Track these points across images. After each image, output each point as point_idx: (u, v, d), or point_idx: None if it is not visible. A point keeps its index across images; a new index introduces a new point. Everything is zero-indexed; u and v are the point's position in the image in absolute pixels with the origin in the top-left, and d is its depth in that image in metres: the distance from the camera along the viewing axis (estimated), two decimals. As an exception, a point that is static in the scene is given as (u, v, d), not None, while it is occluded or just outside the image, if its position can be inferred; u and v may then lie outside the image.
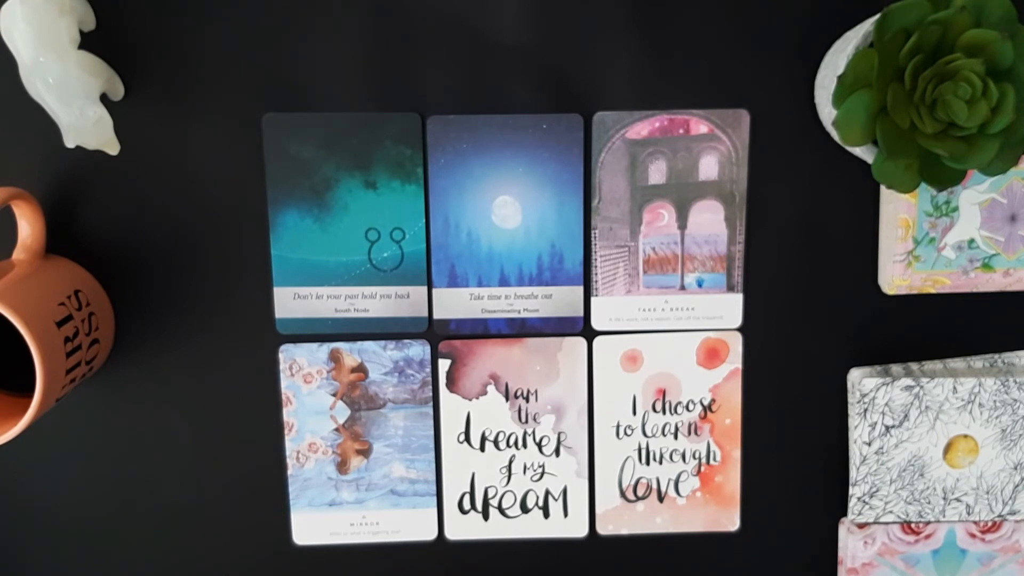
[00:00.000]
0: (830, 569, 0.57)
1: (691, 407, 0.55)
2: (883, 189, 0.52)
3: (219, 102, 0.51)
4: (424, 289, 0.53)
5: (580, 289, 0.53)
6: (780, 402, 0.55)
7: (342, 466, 0.55)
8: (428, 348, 0.54)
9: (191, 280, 0.52)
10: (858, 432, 0.53)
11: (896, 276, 0.52)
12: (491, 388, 0.54)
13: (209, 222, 0.52)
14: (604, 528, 0.56)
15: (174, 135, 0.51)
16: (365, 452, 0.54)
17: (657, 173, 0.52)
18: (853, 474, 0.53)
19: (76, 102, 0.45)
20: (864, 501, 0.54)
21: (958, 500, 0.54)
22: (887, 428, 0.52)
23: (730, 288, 0.53)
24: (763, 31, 0.51)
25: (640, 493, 0.55)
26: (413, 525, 0.55)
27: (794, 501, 0.56)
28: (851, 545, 0.55)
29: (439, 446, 0.55)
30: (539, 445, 0.55)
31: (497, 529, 0.56)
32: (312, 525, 0.55)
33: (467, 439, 0.55)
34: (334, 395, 0.54)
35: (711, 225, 0.52)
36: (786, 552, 0.57)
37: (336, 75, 0.51)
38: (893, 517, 0.54)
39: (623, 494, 0.55)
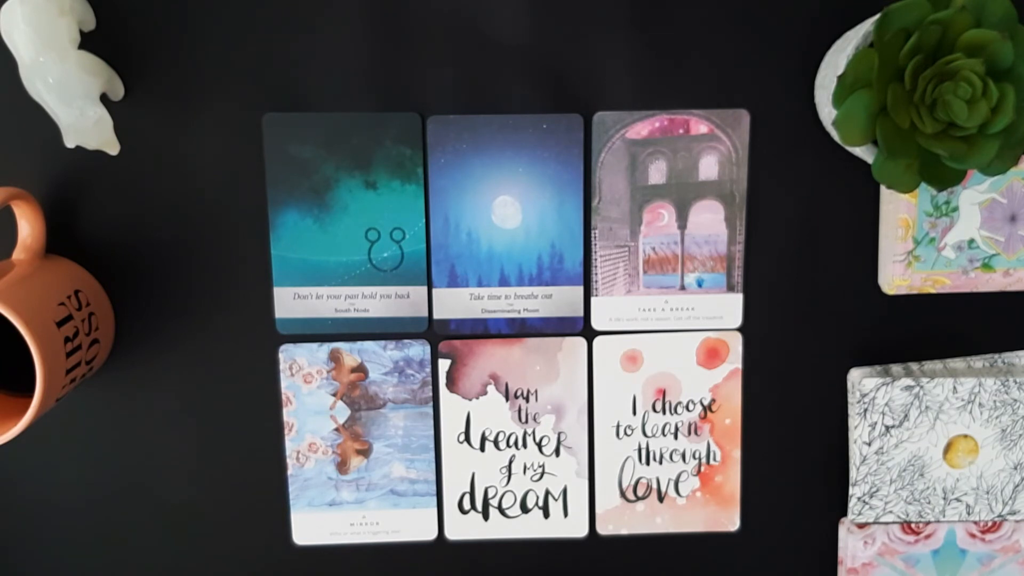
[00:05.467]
0: (830, 569, 0.57)
1: (691, 407, 0.55)
2: (883, 189, 0.52)
3: (219, 102, 0.51)
4: (424, 289, 0.53)
5: (580, 289, 0.53)
6: (780, 402, 0.55)
7: (342, 466, 0.55)
8: (428, 348, 0.54)
9: (191, 280, 0.52)
10: (858, 432, 0.53)
11: (896, 276, 0.52)
12: (491, 388, 0.54)
13: (209, 222, 0.52)
14: (604, 528, 0.56)
15: (174, 135, 0.51)
16: (365, 452, 0.54)
17: (657, 173, 0.52)
18: (853, 474, 0.53)
19: (76, 102, 0.45)
20: (864, 501, 0.54)
21: (958, 500, 0.54)
22: (887, 428, 0.52)
23: (730, 288, 0.53)
24: (763, 31, 0.51)
25: (640, 493, 0.55)
26: (413, 525, 0.55)
27: (794, 501, 0.56)
28: (851, 545, 0.55)
29: (439, 446, 0.55)
30: (539, 445, 0.55)
31: (497, 529, 0.56)
32: (312, 525, 0.55)
33: (467, 439, 0.55)
34: (334, 395, 0.54)
35: (711, 225, 0.52)
36: (786, 552, 0.57)
37: (336, 75, 0.51)
38: (893, 517, 0.54)
39: (623, 494, 0.55)
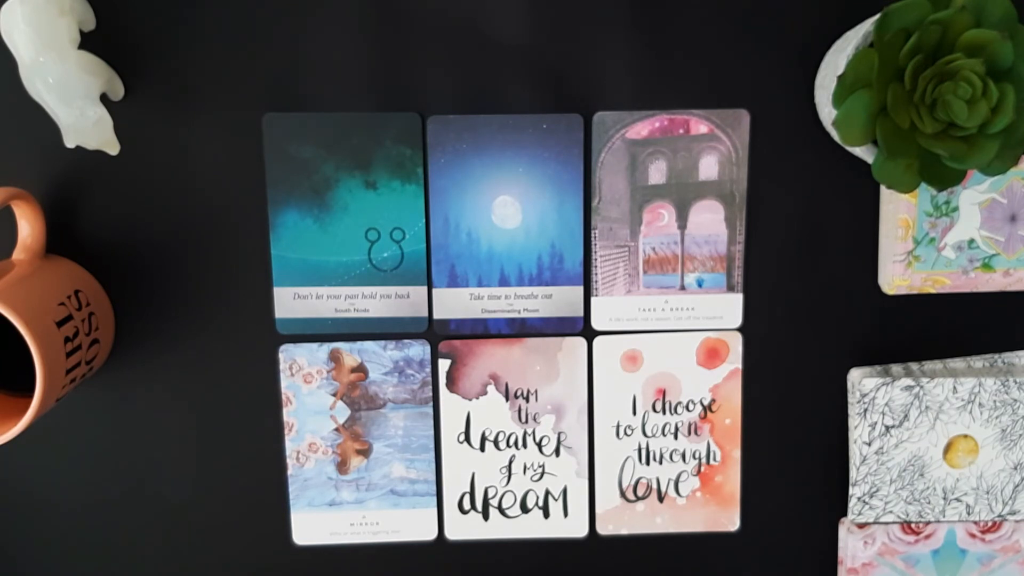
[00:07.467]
0: (830, 569, 0.57)
1: (691, 407, 0.55)
2: (883, 189, 0.52)
3: (219, 102, 0.51)
4: (424, 289, 0.53)
5: (580, 289, 0.53)
6: (780, 402, 0.55)
7: (342, 466, 0.55)
8: (428, 348, 0.54)
9: (191, 280, 0.52)
10: (858, 432, 0.53)
11: (896, 276, 0.52)
12: (491, 388, 0.54)
13: (209, 222, 0.52)
14: (604, 528, 0.56)
15: (174, 135, 0.51)
16: (365, 452, 0.54)
17: (657, 173, 0.52)
18: (853, 474, 0.53)
19: (76, 102, 0.45)
20: (864, 501, 0.54)
21: (958, 500, 0.54)
22: (887, 428, 0.52)
23: (730, 288, 0.53)
24: (763, 31, 0.51)
25: (640, 493, 0.55)
26: (413, 525, 0.55)
27: (794, 501, 0.56)
28: (851, 545, 0.55)
29: (439, 446, 0.55)
30: (539, 445, 0.55)
31: (497, 529, 0.56)
32: (312, 525, 0.55)
33: (467, 439, 0.55)
34: (334, 395, 0.54)
35: (711, 225, 0.52)
36: (786, 552, 0.57)
37: (336, 75, 0.51)
38: (893, 517, 0.54)
39: (623, 494, 0.55)
